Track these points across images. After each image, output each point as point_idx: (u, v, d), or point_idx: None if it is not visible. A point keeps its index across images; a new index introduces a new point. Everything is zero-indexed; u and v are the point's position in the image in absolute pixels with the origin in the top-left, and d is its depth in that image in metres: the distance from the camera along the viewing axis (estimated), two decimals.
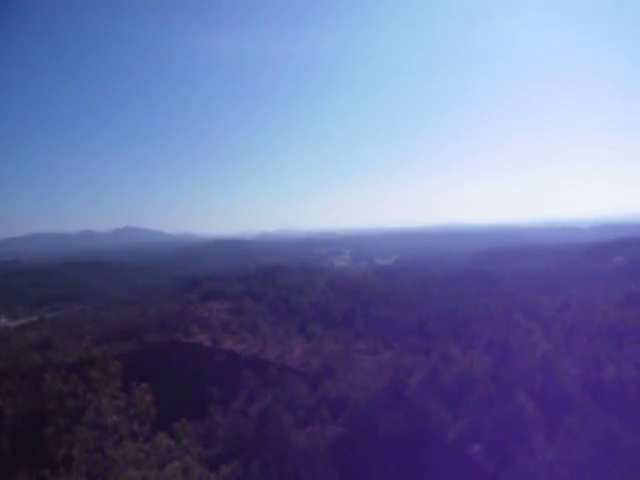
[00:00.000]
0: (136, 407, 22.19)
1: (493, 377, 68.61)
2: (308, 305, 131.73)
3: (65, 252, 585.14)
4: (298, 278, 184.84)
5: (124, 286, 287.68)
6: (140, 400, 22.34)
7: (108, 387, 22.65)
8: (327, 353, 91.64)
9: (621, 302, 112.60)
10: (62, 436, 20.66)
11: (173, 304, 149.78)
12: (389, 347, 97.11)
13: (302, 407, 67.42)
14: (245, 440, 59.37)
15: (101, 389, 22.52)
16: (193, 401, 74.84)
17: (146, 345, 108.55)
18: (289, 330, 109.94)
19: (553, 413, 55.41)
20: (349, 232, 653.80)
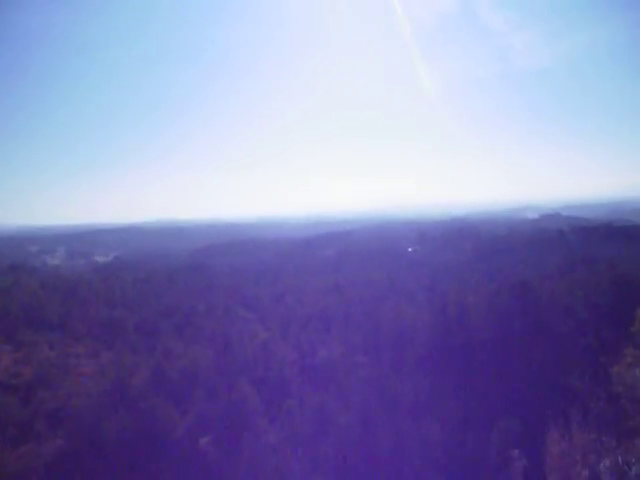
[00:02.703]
0: None
1: (217, 369, 70.69)
2: (17, 309, 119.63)
3: None
4: (4, 279, 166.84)
5: None
6: None
7: None
8: (41, 360, 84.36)
9: (329, 290, 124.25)
10: None
11: None
12: (110, 348, 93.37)
13: (12, 424, 61.11)
14: None
15: None
16: None
17: None
18: None
19: (273, 397, 59.33)
20: (64, 228, 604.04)
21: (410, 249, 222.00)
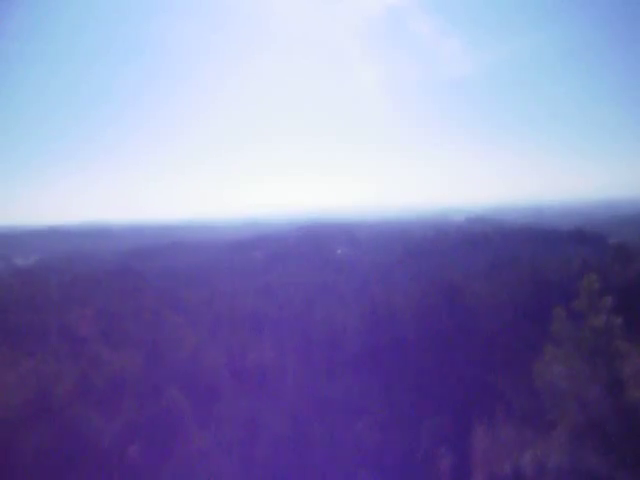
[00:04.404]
0: None
1: (145, 375, 69.11)
2: None
3: None
4: None
5: None
6: None
7: None
8: None
9: (259, 292, 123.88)
10: None
11: None
12: (32, 356, 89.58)
13: None
14: None
15: None
16: None
17: None
18: None
19: (204, 402, 58.57)
20: None
21: (339, 251, 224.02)
